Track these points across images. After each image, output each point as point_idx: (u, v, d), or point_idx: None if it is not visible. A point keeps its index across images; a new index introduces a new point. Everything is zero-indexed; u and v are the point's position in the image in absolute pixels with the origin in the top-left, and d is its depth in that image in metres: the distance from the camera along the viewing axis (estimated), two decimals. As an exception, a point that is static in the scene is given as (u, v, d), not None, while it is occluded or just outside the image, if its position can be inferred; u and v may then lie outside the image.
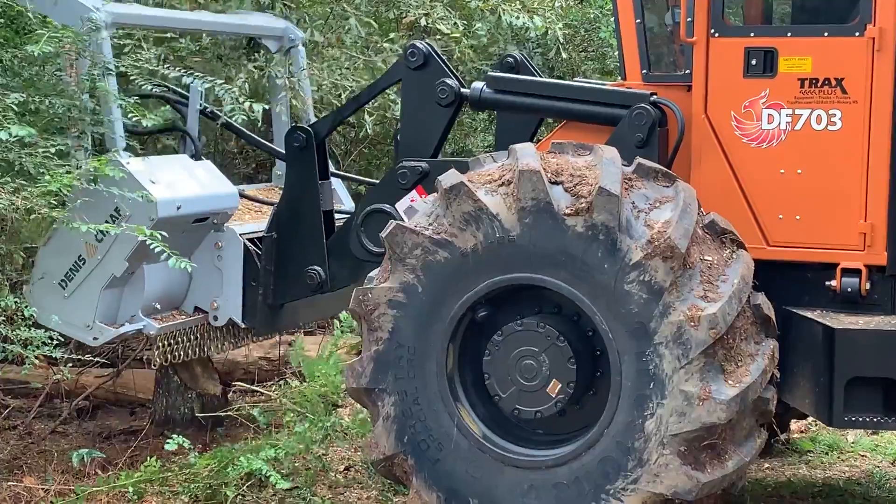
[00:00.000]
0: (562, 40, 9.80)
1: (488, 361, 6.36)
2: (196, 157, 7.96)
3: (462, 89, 7.19)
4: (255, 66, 8.80)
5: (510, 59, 7.71)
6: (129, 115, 7.35)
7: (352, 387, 6.52)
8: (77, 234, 7.23)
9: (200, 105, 8.11)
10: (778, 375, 6.22)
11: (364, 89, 8.01)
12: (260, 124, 8.54)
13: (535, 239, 6.04)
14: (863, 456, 8.29)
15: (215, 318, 7.84)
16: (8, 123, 6.74)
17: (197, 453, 7.49)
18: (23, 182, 6.90)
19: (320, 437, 7.45)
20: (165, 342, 7.66)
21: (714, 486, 5.96)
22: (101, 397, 9.44)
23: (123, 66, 7.53)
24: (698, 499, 5.95)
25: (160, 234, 6.87)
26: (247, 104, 7.47)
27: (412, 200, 7.13)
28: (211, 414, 8.60)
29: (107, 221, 7.15)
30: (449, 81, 7.20)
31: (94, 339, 7.43)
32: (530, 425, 6.49)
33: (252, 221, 8.11)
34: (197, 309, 7.88)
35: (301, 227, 7.62)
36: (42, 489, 7.43)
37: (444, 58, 7.43)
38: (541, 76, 7.86)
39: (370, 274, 6.54)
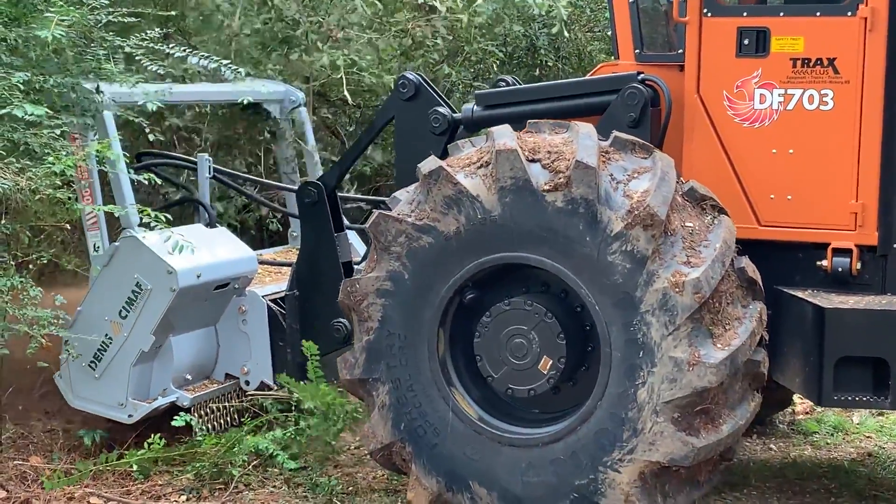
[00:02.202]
0: (566, 19, 9.76)
1: (479, 343, 6.40)
2: (211, 224, 8.07)
3: (454, 115, 7.24)
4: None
5: (502, 84, 7.71)
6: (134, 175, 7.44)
7: (346, 378, 6.59)
8: (101, 313, 7.41)
9: (210, 172, 8.21)
10: (767, 338, 6.25)
11: (363, 133, 8.00)
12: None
13: (516, 217, 6.08)
14: (868, 437, 8.28)
15: (247, 384, 7.89)
16: (17, 102, 6.77)
17: (204, 431, 7.52)
18: (28, 162, 6.94)
19: (339, 427, 7.46)
20: (202, 412, 7.71)
21: (710, 451, 6.00)
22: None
23: (129, 45, 7.55)
24: (695, 464, 5.99)
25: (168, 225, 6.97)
26: (248, 80, 7.48)
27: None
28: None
29: (129, 299, 7.31)
30: (441, 109, 7.24)
31: (129, 416, 7.49)
32: (525, 404, 6.54)
33: (272, 283, 8.19)
34: (228, 376, 7.93)
35: (322, 282, 7.64)
36: (49, 468, 7.48)
37: (434, 87, 7.47)
38: None
39: (357, 266, 6.57)
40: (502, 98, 7.15)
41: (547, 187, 6.01)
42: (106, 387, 7.49)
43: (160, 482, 7.38)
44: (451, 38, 9.73)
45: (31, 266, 7.83)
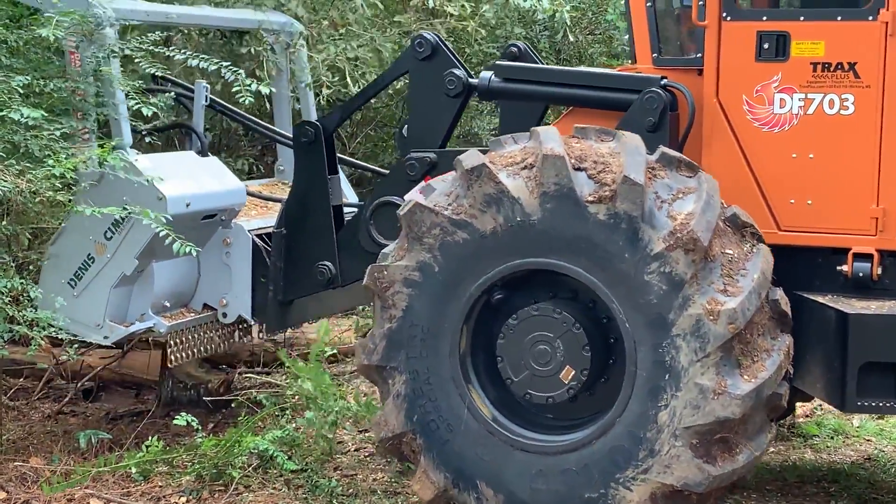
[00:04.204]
0: (569, 23, 9.75)
1: (502, 344, 6.34)
2: (202, 153, 7.96)
3: (470, 80, 7.15)
4: (257, 50, 8.80)
5: (514, 48, 7.64)
6: (132, 101, 7.31)
7: (363, 363, 6.49)
8: (85, 232, 7.26)
9: (206, 100, 8.09)
10: (791, 371, 6.22)
11: (371, 83, 7.95)
12: (266, 106, 8.53)
13: (555, 224, 6.00)
14: (868, 440, 8.27)
15: (224, 315, 7.83)
16: (15, 105, 6.71)
17: (203, 434, 7.47)
18: (27, 165, 6.89)
19: (330, 421, 7.42)
20: (177, 340, 7.64)
21: (724, 480, 5.96)
22: (107, 378, 9.41)
23: (129, 48, 7.48)
24: (707, 491, 5.95)
25: (165, 217, 6.88)
26: (254, 86, 7.42)
27: (420, 192, 7.10)
28: (215, 399, 8.60)
29: (116, 221, 7.17)
30: (457, 72, 7.16)
31: (105, 337, 7.41)
32: (541, 410, 6.49)
33: (258, 217, 8.10)
34: (206, 306, 7.86)
35: (310, 223, 7.59)
36: (49, 469, 7.43)
37: (451, 48, 7.38)
38: (544, 64, 7.82)
39: (384, 251, 6.52)
40: (522, 74, 7.08)
41: (591, 198, 5.93)
42: (84, 306, 7.37)
43: (160, 483, 7.35)
44: (452, 39, 9.69)
45: (31, 267, 7.81)
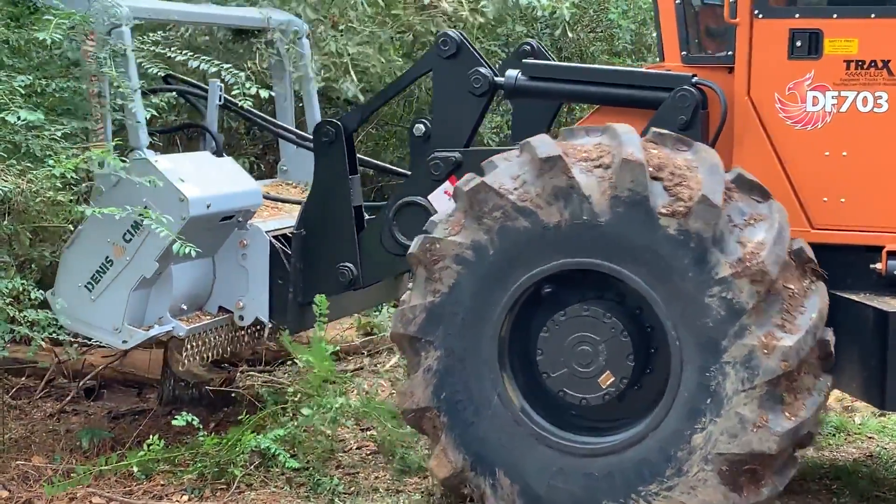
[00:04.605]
0: (569, 20, 9.73)
1: (545, 338, 6.27)
2: (218, 153, 7.85)
3: (496, 78, 7.07)
4: (258, 50, 8.78)
5: (527, 46, 7.61)
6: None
7: (398, 332, 6.37)
8: (103, 235, 7.14)
9: (220, 100, 7.98)
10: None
11: (392, 82, 7.83)
12: (269, 106, 8.50)
13: (622, 230, 5.90)
14: (870, 438, 8.28)
15: (241, 318, 7.68)
16: (15, 106, 6.68)
17: (205, 433, 7.47)
18: (28, 165, 6.82)
19: (329, 418, 7.43)
20: (193, 344, 7.53)
21: None
22: (109, 377, 9.36)
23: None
24: None
25: (165, 218, 6.81)
26: (253, 90, 7.42)
27: (446, 192, 7.02)
28: (217, 389, 8.59)
29: (135, 223, 7.06)
30: (483, 70, 7.09)
31: (124, 342, 7.27)
32: (569, 407, 6.42)
33: (272, 218, 7.97)
34: (221, 309, 7.73)
35: (331, 224, 7.48)
36: (51, 468, 7.40)
37: (475, 46, 7.30)
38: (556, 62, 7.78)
39: (432, 218, 6.44)
40: (550, 72, 7.02)
41: (664, 211, 5.83)
42: (101, 310, 7.24)
43: (162, 482, 7.33)
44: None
45: (32, 267, 7.81)
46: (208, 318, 7.65)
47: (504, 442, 6.27)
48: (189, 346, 7.51)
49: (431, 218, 6.47)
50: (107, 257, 7.21)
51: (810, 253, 6.09)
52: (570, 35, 10.18)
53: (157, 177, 7.02)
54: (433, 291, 6.26)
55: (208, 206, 7.19)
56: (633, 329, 6.19)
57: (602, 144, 6.08)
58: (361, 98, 9.49)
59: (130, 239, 7.14)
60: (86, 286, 7.27)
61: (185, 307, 7.51)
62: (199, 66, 7.41)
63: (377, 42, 9.65)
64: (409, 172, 7.63)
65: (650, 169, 5.87)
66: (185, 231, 7.04)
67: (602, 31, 11.61)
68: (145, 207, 6.94)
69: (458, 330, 6.24)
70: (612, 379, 6.18)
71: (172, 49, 7.47)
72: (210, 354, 7.74)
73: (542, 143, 6.10)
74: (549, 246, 6.05)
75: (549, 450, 6.22)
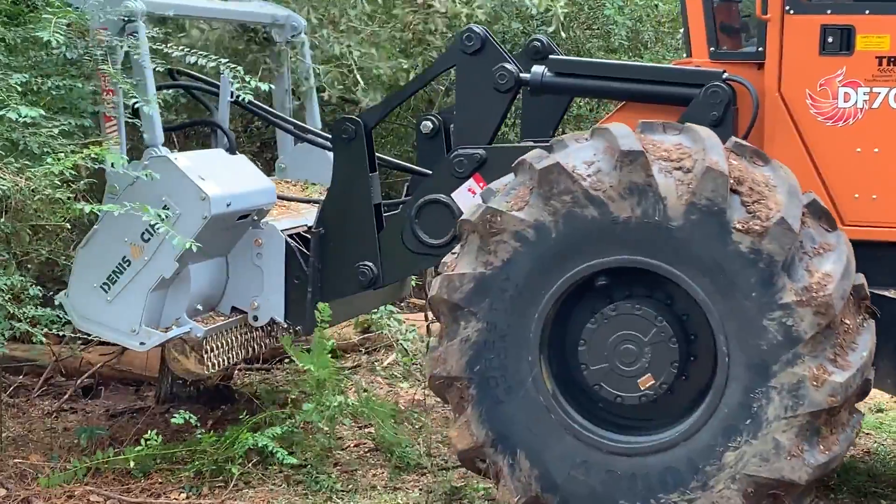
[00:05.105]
0: (562, 18, 9.73)
1: (591, 329, 6.18)
2: (231, 150, 7.73)
3: (522, 74, 7.02)
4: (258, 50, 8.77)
5: (537, 42, 7.56)
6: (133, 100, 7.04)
7: (441, 297, 6.21)
8: (120, 234, 7.01)
9: (232, 96, 7.84)
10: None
11: (414, 79, 7.75)
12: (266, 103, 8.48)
13: (693, 237, 5.80)
14: (867, 434, 8.31)
15: (255, 318, 7.54)
16: (13, 104, 6.63)
17: (203, 430, 7.46)
18: (27, 162, 6.71)
19: (327, 416, 7.42)
20: (210, 345, 7.37)
21: None
22: (106, 375, 9.29)
23: (129, 46, 7.42)
24: None
25: (161, 213, 6.72)
26: (253, 83, 7.37)
27: (470, 190, 6.98)
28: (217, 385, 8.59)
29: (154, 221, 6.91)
30: (508, 66, 7.02)
31: (142, 343, 7.13)
32: (602, 402, 6.35)
33: (285, 217, 7.85)
34: (234, 309, 7.59)
35: (351, 222, 7.36)
36: (48, 466, 7.34)
37: (499, 43, 7.23)
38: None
39: (491, 185, 6.34)
40: (577, 68, 6.99)
41: (739, 226, 5.73)
42: (118, 311, 7.09)
43: (160, 480, 7.32)
44: (450, 34, 9.68)
45: (30, 265, 7.79)
46: (222, 318, 7.52)
47: (531, 425, 6.19)
48: (209, 349, 7.35)
49: (489, 185, 6.36)
50: (124, 257, 7.07)
51: (867, 289, 6.04)
52: (563, 35, 10.14)
53: (177, 175, 6.93)
54: (485, 263, 6.13)
55: (228, 205, 7.08)
56: (679, 335, 6.13)
57: (683, 146, 5.97)
58: (362, 83, 9.42)
59: (149, 239, 7.00)
60: (101, 287, 7.13)
61: (200, 307, 7.37)
62: (196, 61, 7.27)
63: (377, 42, 9.63)
64: (420, 168, 7.56)
65: (731, 181, 5.77)
66: (205, 230, 6.96)
67: (598, 28, 11.60)
68: (164, 206, 6.82)
69: (505, 306, 6.13)
70: (653, 382, 6.12)
71: (169, 45, 7.44)
72: (233, 356, 7.59)
73: (624, 135, 5.97)
74: (614, 239, 5.94)
75: (576, 441, 6.15)
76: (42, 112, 6.69)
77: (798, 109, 6.47)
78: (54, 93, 7.01)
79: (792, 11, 6.43)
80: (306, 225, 7.70)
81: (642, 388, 6.14)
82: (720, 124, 6.40)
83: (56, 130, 6.87)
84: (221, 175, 7.23)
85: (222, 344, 7.48)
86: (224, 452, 7.31)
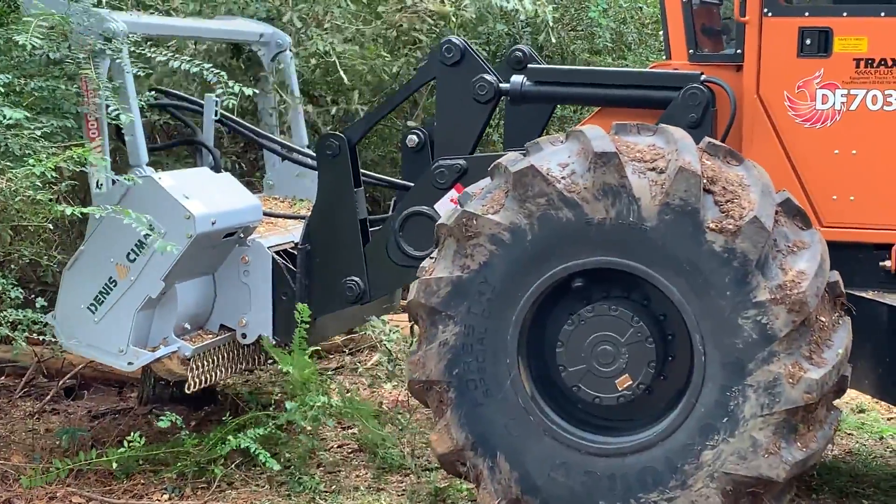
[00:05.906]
0: (552, 24, 9.73)
1: (567, 331, 6.19)
2: (216, 169, 7.73)
3: (501, 84, 7.03)
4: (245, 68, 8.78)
5: (519, 52, 7.59)
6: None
7: (419, 301, 6.22)
8: (106, 255, 7.02)
9: (216, 115, 7.88)
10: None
11: (395, 92, 7.75)
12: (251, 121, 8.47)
13: (667, 238, 5.81)
14: (849, 434, 8.33)
15: (244, 336, 7.55)
16: (-2, 106, 6.65)
17: (186, 431, 7.44)
18: (8, 164, 6.70)
19: (310, 417, 7.40)
20: (199, 364, 7.37)
21: None
22: (89, 376, 9.22)
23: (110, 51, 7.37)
24: None
25: (145, 216, 6.72)
26: (236, 88, 7.33)
27: (452, 200, 6.94)
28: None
29: (140, 242, 6.94)
30: (488, 77, 7.04)
31: (129, 363, 7.11)
32: (581, 403, 6.36)
33: (270, 234, 7.85)
34: (223, 327, 7.59)
35: (337, 238, 7.38)
36: (30, 468, 7.29)
37: (479, 53, 7.25)
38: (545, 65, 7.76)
39: (467, 189, 6.34)
40: (556, 76, 7.03)
41: (712, 226, 5.74)
42: (105, 331, 7.09)
43: (142, 481, 7.30)
44: (434, 34, 9.67)
45: (13, 266, 7.77)
46: (210, 336, 7.52)
47: (510, 427, 6.21)
48: (196, 367, 7.35)
49: (466, 189, 6.37)
50: (110, 278, 7.08)
51: (842, 287, 6.06)
52: (553, 39, 10.14)
53: (162, 195, 6.95)
54: (462, 266, 6.15)
55: (213, 223, 7.09)
56: (656, 335, 6.14)
57: (656, 147, 5.98)
58: (346, 79, 9.42)
59: (135, 258, 7.02)
60: (88, 308, 7.13)
61: (188, 326, 7.38)
62: (180, 66, 7.22)
63: (361, 42, 9.63)
64: (403, 182, 7.57)
65: (704, 181, 5.79)
66: (190, 249, 6.97)
67: (583, 30, 11.61)
68: (150, 226, 6.77)
69: (483, 309, 6.14)
70: (630, 382, 6.13)
71: (152, 49, 7.40)
72: (217, 374, 7.59)
73: (597, 137, 5.98)
74: (589, 241, 5.95)
75: (555, 442, 6.17)
76: (26, 114, 6.68)
77: (776, 111, 6.48)
78: (37, 93, 7.01)
79: (770, 14, 6.45)
80: (293, 241, 7.70)
81: (620, 389, 6.15)
82: (698, 126, 6.43)
83: (38, 132, 6.86)
84: (206, 193, 7.22)
85: (210, 361, 7.48)
86: (207, 454, 7.29)
